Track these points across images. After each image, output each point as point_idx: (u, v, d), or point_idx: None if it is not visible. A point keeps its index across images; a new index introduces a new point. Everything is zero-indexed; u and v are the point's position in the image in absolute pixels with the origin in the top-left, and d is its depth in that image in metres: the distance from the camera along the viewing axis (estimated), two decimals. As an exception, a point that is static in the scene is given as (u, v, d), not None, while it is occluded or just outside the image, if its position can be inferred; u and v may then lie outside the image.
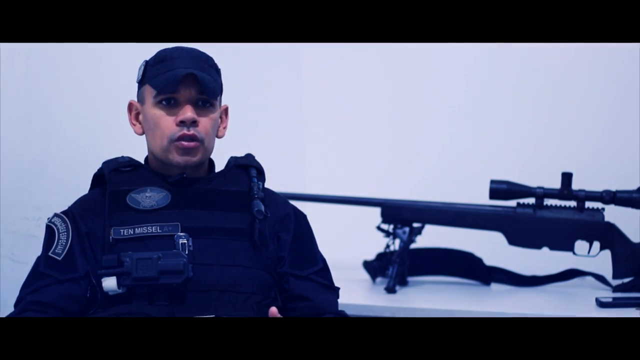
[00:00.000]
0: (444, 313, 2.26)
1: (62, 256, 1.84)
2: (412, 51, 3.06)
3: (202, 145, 1.88)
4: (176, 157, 1.87)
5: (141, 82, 1.91)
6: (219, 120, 1.94)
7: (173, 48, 1.91)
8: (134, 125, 1.94)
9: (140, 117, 1.92)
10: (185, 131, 1.86)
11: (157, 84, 1.86)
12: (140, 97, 1.92)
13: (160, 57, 1.89)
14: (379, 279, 2.65)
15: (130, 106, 1.94)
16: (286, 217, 1.95)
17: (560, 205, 2.52)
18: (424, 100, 3.14)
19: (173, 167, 1.89)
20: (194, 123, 1.86)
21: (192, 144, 1.86)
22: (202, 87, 1.85)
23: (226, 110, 1.98)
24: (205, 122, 1.88)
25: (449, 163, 3.09)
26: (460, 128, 3.09)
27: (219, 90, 1.92)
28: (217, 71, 1.93)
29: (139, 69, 1.91)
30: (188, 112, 1.86)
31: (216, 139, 1.94)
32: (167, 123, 1.87)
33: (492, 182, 2.51)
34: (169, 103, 1.87)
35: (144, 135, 1.92)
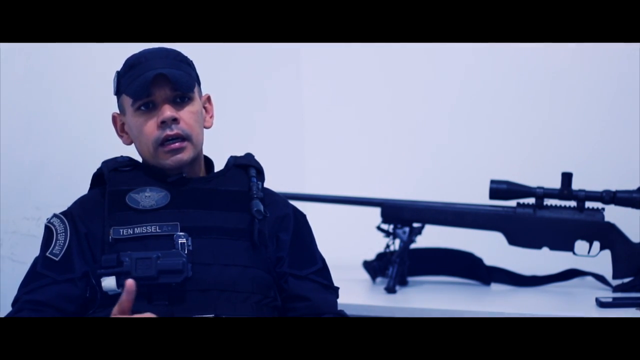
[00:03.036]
0: (444, 313, 2.26)
1: (59, 257, 1.84)
2: (412, 51, 3.06)
3: (190, 142, 1.88)
4: (167, 161, 1.87)
5: (118, 93, 1.92)
6: (203, 111, 1.94)
7: (140, 52, 1.91)
8: (122, 136, 1.95)
9: (126, 127, 1.93)
10: (168, 132, 1.86)
11: (131, 92, 1.86)
12: (121, 108, 1.93)
13: (128, 64, 1.90)
14: (379, 279, 2.65)
15: (114, 119, 1.95)
16: (285, 217, 1.95)
17: (560, 205, 2.52)
18: (423, 100, 3.14)
19: (168, 170, 1.89)
20: (174, 121, 1.86)
21: (177, 144, 1.87)
22: (174, 84, 1.85)
23: (209, 98, 1.98)
24: (187, 117, 1.88)
25: (449, 163, 3.09)
26: (461, 128, 3.09)
27: (194, 82, 1.91)
28: (189, 64, 1.93)
29: (113, 81, 1.92)
30: (167, 112, 1.86)
31: (206, 130, 1.94)
32: (149, 128, 1.87)
33: (492, 182, 2.51)
34: (148, 107, 1.87)
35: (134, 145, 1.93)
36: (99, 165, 1.93)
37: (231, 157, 1.98)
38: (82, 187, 1.96)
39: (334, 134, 3.24)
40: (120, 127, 1.94)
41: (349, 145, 3.22)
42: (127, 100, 1.89)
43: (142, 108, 1.87)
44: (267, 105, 3.14)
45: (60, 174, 2.34)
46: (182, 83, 1.87)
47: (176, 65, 1.89)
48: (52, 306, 1.80)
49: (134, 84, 1.86)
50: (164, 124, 1.86)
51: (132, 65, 1.89)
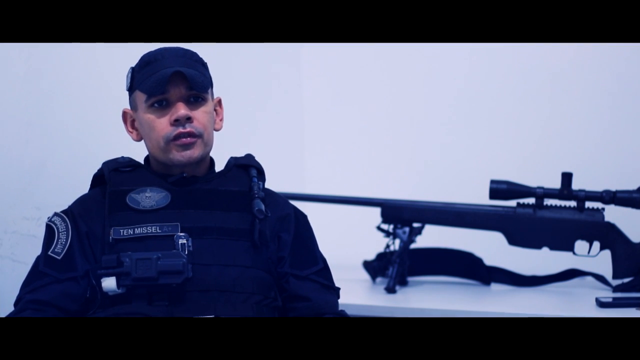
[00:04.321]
0: (444, 313, 2.26)
1: (61, 255, 1.84)
2: (412, 51, 3.06)
3: (202, 139, 1.88)
4: (177, 156, 1.87)
5: (131, 89, 1.91)
6: (214, 113, 1.94)
7: (156, 50, 1.91)
8: (131, 132, 1.94)
9: (136, 123, 1.92)
10: (181, 129, 1.86)
11: (146, 88, 1.86)
12: (133, 104, 1.92)
13: (144, 61, 1.89)
14: (379, 279, 2.65)
15: (125, 115, 1.95)
16: (286, 217, 1.95)
17: (560, 205, 2.52)
18: (424, 100, 3.14)
19: (175, 167, 1.89)
20: (188, 120, 1.86)
21: (189, 139, 1.86)
22: (190, 83, 1.85)
23: (219, 102, 1.98)
24: (200, 117, 1.88)
25: (449, 163, 3.09)
26: (461, 128, 3.09)
27: (209, 83, 1.92)
28: (204, 65, 1.93)
29: (126, 76, 1.92)
30: (181, 110, 1.86)
31: (215, 132, 1.94)
32: (161, 125, 1.87)
33: (492, 182, 2.51)
34: (161, 105, 1.87)
35: (143, 141, 1.93)
36: (99, 165, 1.93)
37: (232, 157, 1.98)
38: (82, 187, 1.96)
39: (334, 134, 3.24)
40: (131, 123, 1.94)
41: (349, 145, 3.22)
42: (141, 97, 1.88)
43: (156, 105, 1.87)
44: (267, 105, 3.14)
45: (60, 174, 2.34)
46: (198, 83, 1.86)
47: (192, 65, 1.89)
48: (55, 305, 1.80)
49: (149, 80, 1.85)
50: (177, 122, 1.86)
51: (148, 61, 1.88)
